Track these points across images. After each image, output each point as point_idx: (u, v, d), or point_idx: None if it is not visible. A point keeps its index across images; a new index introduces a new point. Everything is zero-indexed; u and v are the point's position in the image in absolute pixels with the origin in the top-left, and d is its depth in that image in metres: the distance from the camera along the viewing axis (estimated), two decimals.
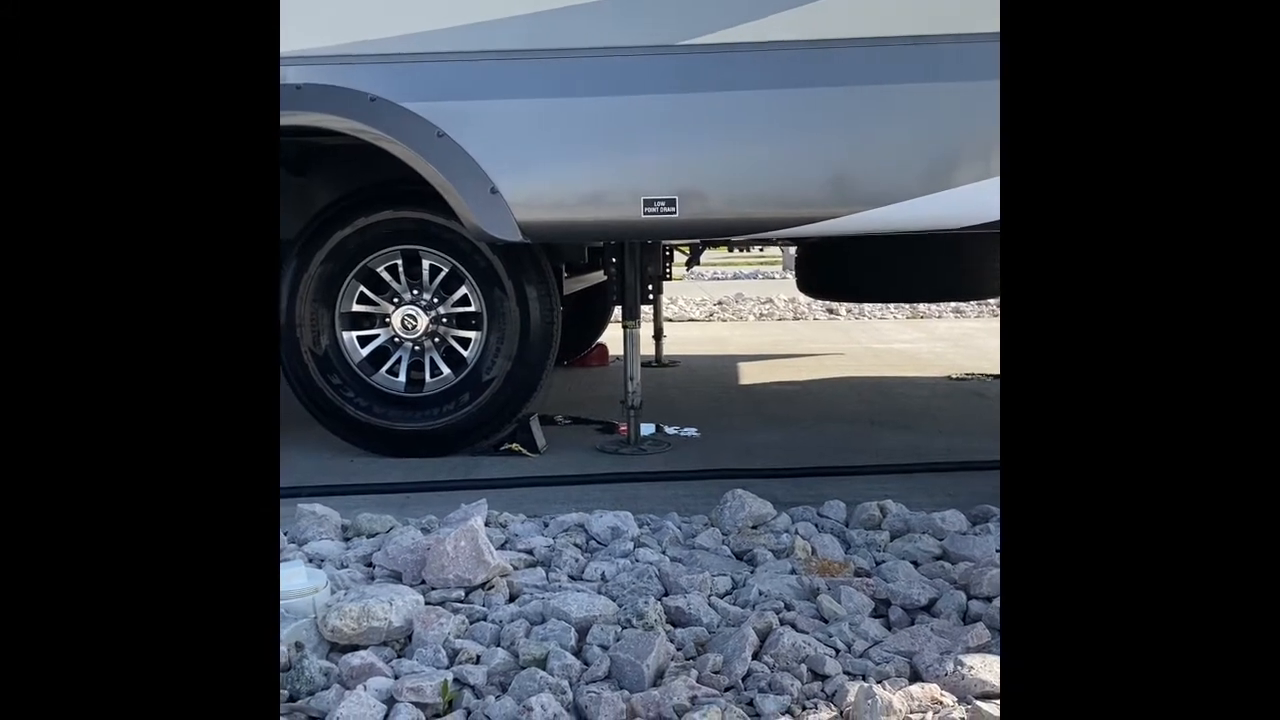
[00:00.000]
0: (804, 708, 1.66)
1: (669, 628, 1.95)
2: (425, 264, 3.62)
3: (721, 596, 2.12)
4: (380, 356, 3.70)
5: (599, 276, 4.40)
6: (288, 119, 3.23)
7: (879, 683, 1.70)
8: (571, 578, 2.25)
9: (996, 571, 2.05)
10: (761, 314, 9.30)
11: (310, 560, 2.33)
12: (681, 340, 7.18)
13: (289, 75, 3.24)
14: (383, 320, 3.68)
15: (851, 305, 8.89)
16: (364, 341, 3.69)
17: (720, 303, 9.84)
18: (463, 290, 3.62)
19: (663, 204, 3.20)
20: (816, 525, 2.57)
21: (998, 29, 1.34)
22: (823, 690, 1.73)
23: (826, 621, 1.98)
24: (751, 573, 2.26)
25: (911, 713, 1.63)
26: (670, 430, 3.99)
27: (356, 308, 3.68)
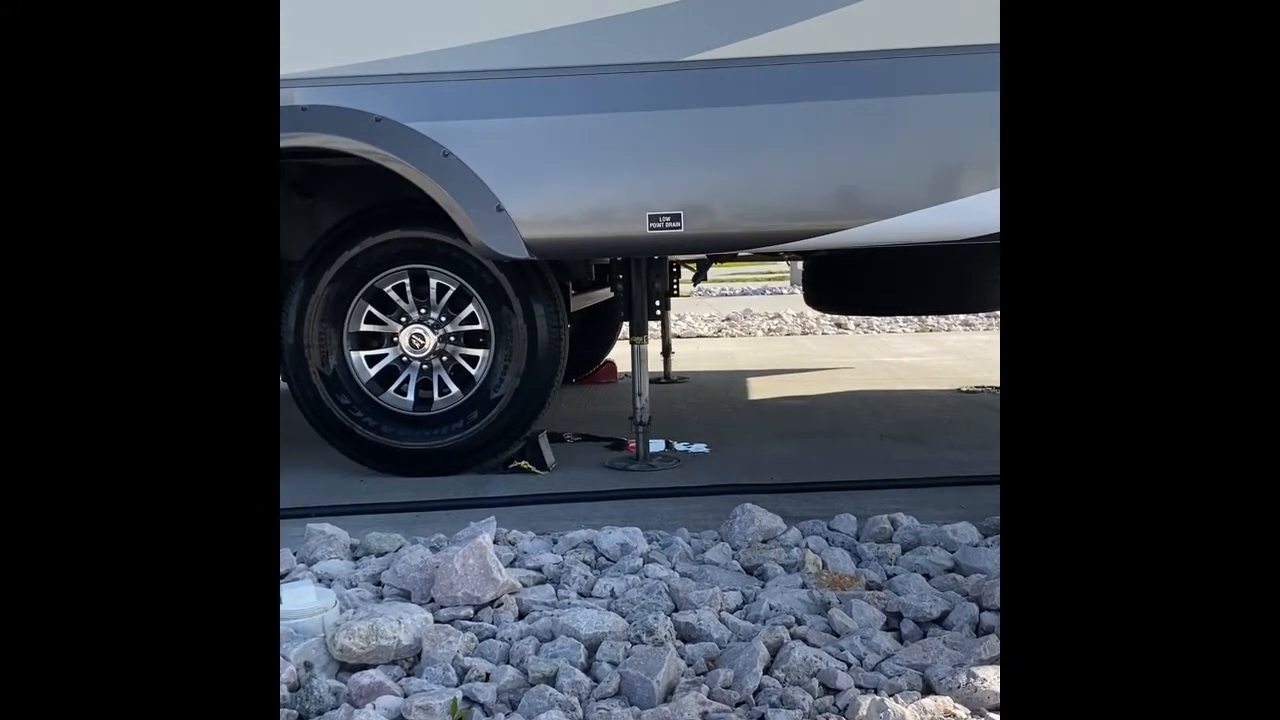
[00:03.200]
0: None
1: (679, 643, 1.93)
2: (433, 283, 3.63)
3: (732, 611, 2.11)
4: (388, 376, 3.70)
5: (606, 293, 4.40)
6: (294, 140, 3.24)
7: (891, 696, 1.69)
8: (581, 594, 2.24)
9: None
10: (770, 329, 9.29)
11: (319, 580, 2.33)
12: (690, 356, 7.17)
13: (295, 97, 3.25)
14: (391, 339, 3.68)
15: (860, 319, 8.89)
16: (372, 361, 3.69)
17: (729, 318, 9.84)
18: (470, 308, 3.62)
19: (668, 219, 3.21)
20: (827, 539, 2.55)
21: (997, 40, 1.35)
22: (834, 704, 1.71)
23: (838, 635, 1.97)
24: (762, 587, 2.24)
25: None
26: (679, 446, 3.98)
27: (364, 327, 3.68)
